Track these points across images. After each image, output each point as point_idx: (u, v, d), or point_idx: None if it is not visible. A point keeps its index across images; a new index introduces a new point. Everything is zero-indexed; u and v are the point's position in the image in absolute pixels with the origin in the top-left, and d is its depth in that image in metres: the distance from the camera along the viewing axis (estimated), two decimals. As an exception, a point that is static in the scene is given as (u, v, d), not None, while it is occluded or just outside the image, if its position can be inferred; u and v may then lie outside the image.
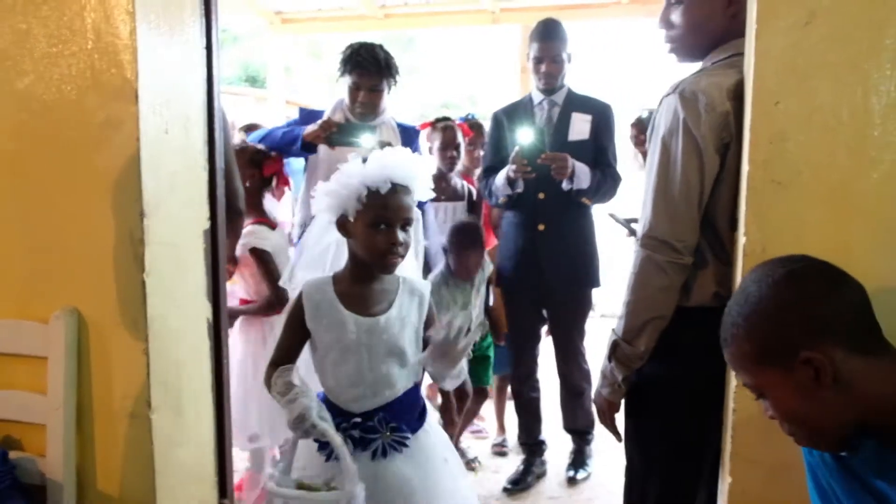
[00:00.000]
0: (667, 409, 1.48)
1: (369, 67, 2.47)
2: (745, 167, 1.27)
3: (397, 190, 1.45)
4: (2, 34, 1.54)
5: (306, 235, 1.77)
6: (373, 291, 1.51)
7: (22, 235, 1.57)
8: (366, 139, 2.38)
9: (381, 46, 2.54)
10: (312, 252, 1.67)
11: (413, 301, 1.53)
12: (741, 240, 1.28)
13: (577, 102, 2.73)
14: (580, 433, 2.92)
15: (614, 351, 1.46)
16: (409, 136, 2.66)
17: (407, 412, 1.53)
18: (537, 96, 2.77)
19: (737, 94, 1.35)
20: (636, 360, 1.43)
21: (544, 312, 2.88)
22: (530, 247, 2.70)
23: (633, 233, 2.14)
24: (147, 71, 1.51)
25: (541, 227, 2.68)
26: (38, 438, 1.54)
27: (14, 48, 1.54)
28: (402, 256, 1.46)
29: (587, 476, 2.85)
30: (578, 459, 2.90)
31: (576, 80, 2.84)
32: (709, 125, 1.35)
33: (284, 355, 1.52)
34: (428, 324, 1.56)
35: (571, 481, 2.80)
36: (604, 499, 2.72)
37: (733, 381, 1.30)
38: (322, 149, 2.51)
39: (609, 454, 3.07)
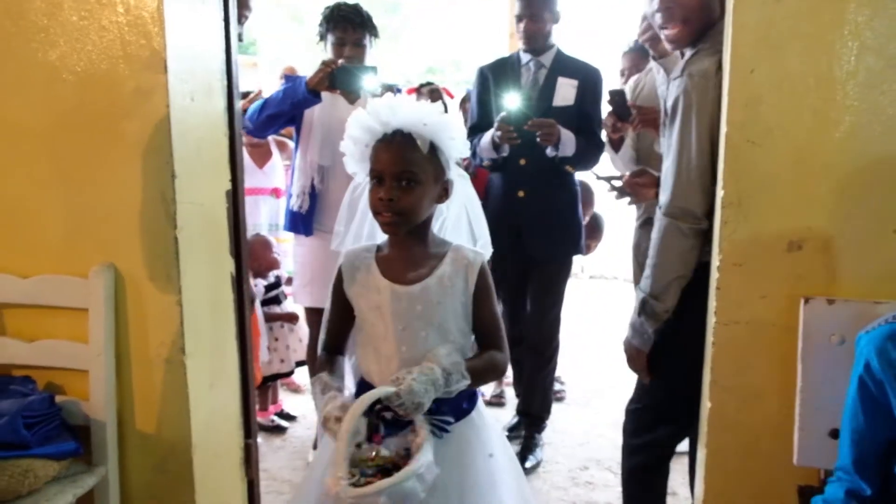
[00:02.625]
0: (677, 344, 1.68)
1: (353, 19, 2.48)
2: (724, 128, 1.42)
3: (395, 138, 1.31)
4: (34, 7, 1.63)
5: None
6: (414, 257, 1.37)
7: (61, 198, 1.68)
8: (368, 80, 2.33)
9: (358, 4, 2.54)
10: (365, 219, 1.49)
11: (458, 270, 1.36)
12: (719, 192, 1.44)
13: (564, 65, 2.62)
14: (534, 418, 2.82)
15: (643, 307, 1.64)
16: None
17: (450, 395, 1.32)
18: (524, 56, 2.66)
19: None
20: (664, 314, 1.62)
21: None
22: (510, 213, 2.62)
23: (614, 188, 2.26)
24: (173, 41, 1.62)
25: (521, 194, 2.62)
26: (81, 383, 1.68)
27: (46, 20, 1.64)
28: (401, 215, 1.30)
29: (537, 464, 2.70)
30: (528, 445, 2.77)
31: (575, 43, 2.74)
32: (717, 100, 1.49)
33: (333, 336, 1.46)
34: (479, 299, 1.37)
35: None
36: (607, 437, 2.91)
37: (713, 318, 1.48)
38: (315, 113, 2.51)
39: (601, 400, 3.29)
